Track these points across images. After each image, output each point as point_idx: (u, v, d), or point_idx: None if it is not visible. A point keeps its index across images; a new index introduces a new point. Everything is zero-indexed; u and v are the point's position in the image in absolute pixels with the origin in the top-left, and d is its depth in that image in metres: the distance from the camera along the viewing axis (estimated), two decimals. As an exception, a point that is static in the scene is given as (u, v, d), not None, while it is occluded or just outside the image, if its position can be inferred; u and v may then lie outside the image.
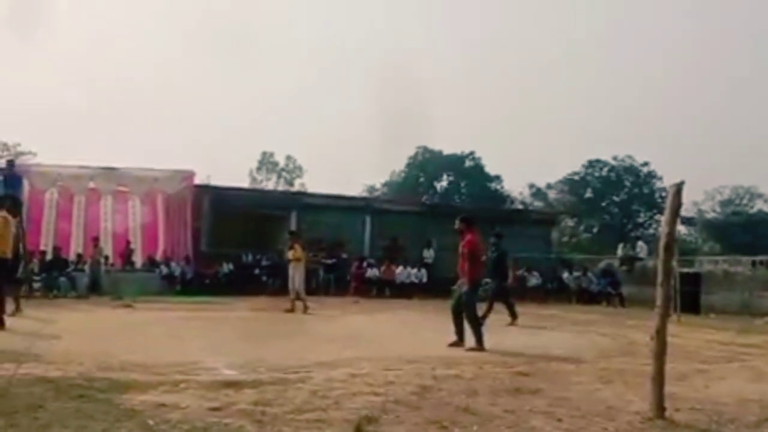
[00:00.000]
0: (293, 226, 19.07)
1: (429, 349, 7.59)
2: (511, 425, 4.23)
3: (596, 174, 50.49)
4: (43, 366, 5.59)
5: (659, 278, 4.68)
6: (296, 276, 13.15)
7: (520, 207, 47.12)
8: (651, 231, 46.25)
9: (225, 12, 65.79)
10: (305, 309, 12.71)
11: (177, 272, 17.94)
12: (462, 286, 8.20)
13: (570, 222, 49.62)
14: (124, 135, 62.79)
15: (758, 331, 11.88)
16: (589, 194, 50.03)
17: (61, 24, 67.32)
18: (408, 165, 51.64)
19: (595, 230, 50.47)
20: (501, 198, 49.42)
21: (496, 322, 10.50)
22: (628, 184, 50.19)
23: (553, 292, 20.63)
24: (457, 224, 8.52)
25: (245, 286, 17.69)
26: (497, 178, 50.56)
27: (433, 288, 17.90)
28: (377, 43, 75.59)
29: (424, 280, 19.92)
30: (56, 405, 4.22)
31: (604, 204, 50.46)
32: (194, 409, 4.26)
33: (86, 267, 16.84)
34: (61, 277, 15.86)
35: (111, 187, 19.20)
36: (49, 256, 16.51)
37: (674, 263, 8.54)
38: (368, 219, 21.72)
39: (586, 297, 20.16)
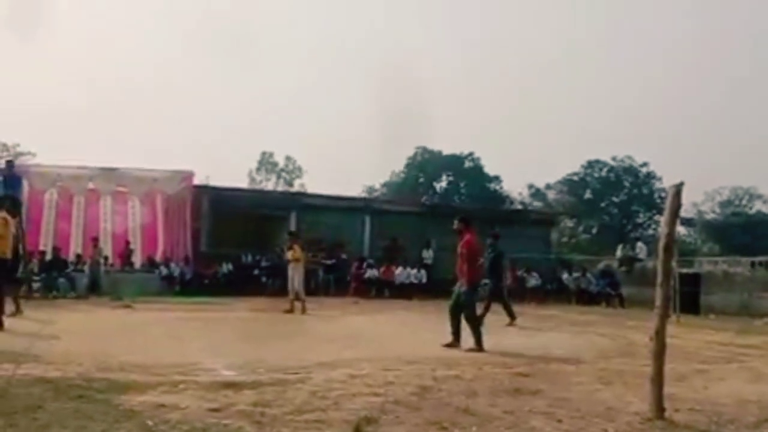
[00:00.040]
0: (293, 227, 19.05)
1: (428, 350, 7.60)
2: (511, 426, 4.23)
3: (595, 174, 50.50)
4: (43, 366, 5.58)
5: (659, 279, 4.69)
6: (295, 277, 13.15)
7: (520, 207, 47.07)
8: (650, 232, 46.28)
9: (225, 12, 65.82)
10: (303, 310, 12.71)
11: (176, 273, 17.93)
12: (461, 286, 8.20)
13: (569, 222, 49.60)
14: (124, 135, 62.84)
15: (757, 331, 11.89)
16: (588, 195, 50.02)
17: (61, 24, 67.43)
18: (407, 165, 51.62)
19: (594, 231, 50.46)
20: (500, 198, 49.41)
21: (495, 322, 10.50)
22: (627, 184, 50.19)
23: (553, 292, 20.64)
24: (455, 225, 8.54)
25: (245, 286, 17.68)
26: (496, 178, 50.57)
27: (433, 288, 17.88)
28: (377, 43, 75.66)
29: (424, 280, 19.91)
30: (55, 405, 4.22)
31: (603, 204, 50.46)
32: (193, 410, 4.26)
33: (86, 267, 16.84)
34: (61, 278, 15.86)
35: (110, 188, 19.20)
36: (48, 257, 16.50)
37: (674, 264, 8.54)
38: (368, 219, 21.72)
39: (586, 298, 20.16)
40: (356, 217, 21.57)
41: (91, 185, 19.07)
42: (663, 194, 36.67)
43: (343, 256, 20.22)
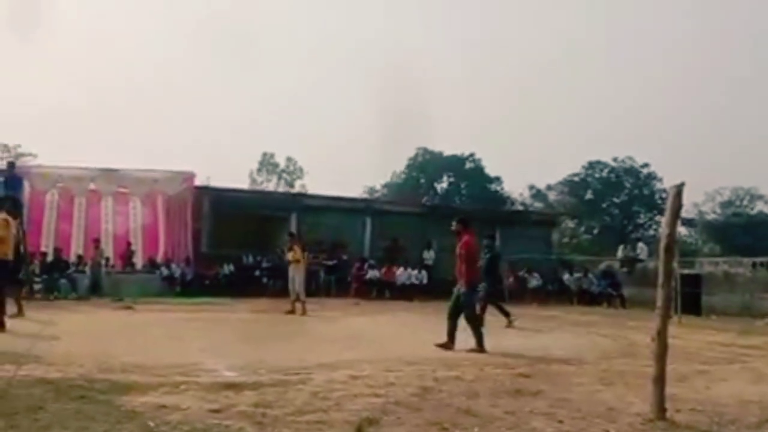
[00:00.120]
0: (294, 228, 19.06)
1: (429, 351, 7.59)
2: (512, 427, 4.23)
3: (596, 175, 50.49)
4: (44, 367, 5.59)
5: (660, 279, 4.69)
6: (296, 278, 13.16)
7: (521, 208, 47.06)
8: (651, 232, 46.27)
9: (225, 12, 65.93)
10: (304, 311, 12.71)
11: (177, 273, 17.94)
12: (460, 288, 8.20)
13: (570, 223, 49.58)
14: (125, 136, 62.94)
15: (759, 332, 11.88)
16: (589, 195, 50.01)
17: (61, 24, 67.41)
18: (408, 166, 51.66)
19: (595, 231, 50.47)
20: (501, 199, 49.42)
21: (495, 323, 10.49)
22: (628, 185, 50.18)
23: (554, 293, 20.64)
24: (453, 226, 8.53)
25: (246, 287, 17.67)
26: (497, 179, 50.60)
27: (434, 289, 17.86)
28: (377, 44, 75.68)
29: (425, 281, 19.92)
30: (56, 406, 4.22)
31: (604, 205, 50.46)
32: (195, 411, 4.26)
33: (87, 268, 16.84)
34: (62, 279, 15.86)
35: (111, 189, 19.21)
36: (49, 258, 16.52)
37: (675, 265, 8.54)
38: (368, 220, 21.73)
39: (587, 298, 20.16)
40: (357, 218, 21.58)
41: (92, 186, 19.08)
42: (664, 195, 36.69)
43: (344, 257, 20.23)
